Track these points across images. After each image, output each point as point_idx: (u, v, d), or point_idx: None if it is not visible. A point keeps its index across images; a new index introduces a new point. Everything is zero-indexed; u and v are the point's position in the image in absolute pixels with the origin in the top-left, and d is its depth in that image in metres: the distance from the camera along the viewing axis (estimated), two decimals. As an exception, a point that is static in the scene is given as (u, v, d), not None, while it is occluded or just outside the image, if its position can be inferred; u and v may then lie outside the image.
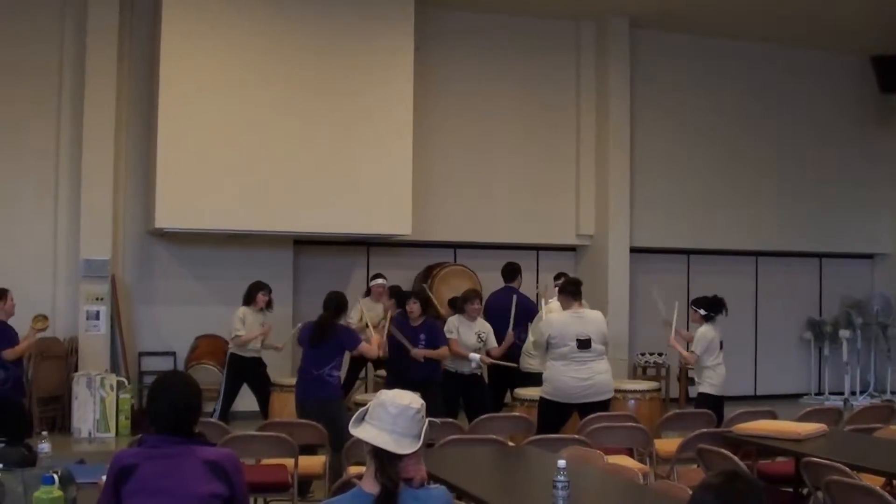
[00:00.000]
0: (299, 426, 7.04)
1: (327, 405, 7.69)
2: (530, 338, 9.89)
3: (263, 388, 9.98)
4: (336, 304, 8.09)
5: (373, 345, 8.44)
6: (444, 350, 9.06)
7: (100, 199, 11.10)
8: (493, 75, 13.19)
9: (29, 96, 11.28)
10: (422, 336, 9.04)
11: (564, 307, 8.24)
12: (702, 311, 8.80)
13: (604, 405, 7.91)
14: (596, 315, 8.31)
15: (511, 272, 10.92)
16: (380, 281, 10.78)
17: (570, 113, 13.54)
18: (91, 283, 11.01)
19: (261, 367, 10.04)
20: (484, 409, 8.62)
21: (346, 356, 8.85)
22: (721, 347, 8.83)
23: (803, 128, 14.69)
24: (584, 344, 7.90)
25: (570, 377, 7.87)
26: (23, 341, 8.47)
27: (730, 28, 13.71)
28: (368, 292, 10.87)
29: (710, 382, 8.69)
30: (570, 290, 8.22)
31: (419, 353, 8.97)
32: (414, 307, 9.11)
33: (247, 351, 9.87)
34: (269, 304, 10.03)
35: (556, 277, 10.90)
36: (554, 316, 8.46)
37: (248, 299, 9.93)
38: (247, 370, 9.92)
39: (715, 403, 8.60)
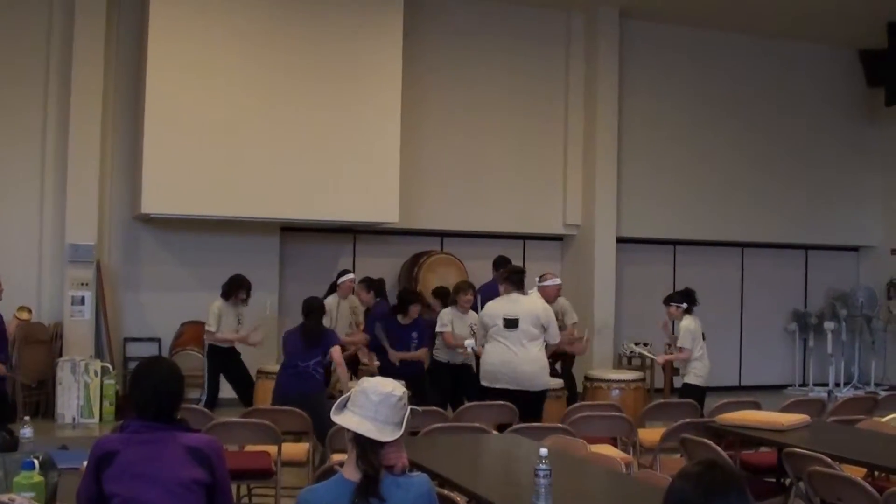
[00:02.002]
0: (283, 413, 7.03)
1: (311, 397, 7.74)
2: None
3: (240, 377, 9.89)
4: (319, 309, 8.37)
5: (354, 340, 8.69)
6: (422, 352, 9.17)
7: (86, 184, 11.04)
8: (483, 64, 13.17)
9: (15, 80, 11.21)
10: (413, 335, 9.13)
11: (504, 293, 8.17)
12: (683, 305, 8.81)
13: (535, 399, 7.81)
14: (534, 301, 8.18)
15: (503, 264, 10.88)
16: (350, 276, 10.44)
17: (558, 103, 13.54)
18: (76, 269, 10.98)
19: (236, 355, 9.91)
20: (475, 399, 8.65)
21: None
22: (704, 338, 8.84)
23: (791, 120, 14.73)
24: (510, 323, 7.89)
25: (494, 359, 7.91)
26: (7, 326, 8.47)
27: (719, 19, 13.72)
28: (333, 289, 10.39)
29: (695, 373, 8.70)
30: (514, 280, 8.17)
31: (396, 355, 9.14)
32: (413, 310, 9.33)
33: (222, 341, 9.78)
34: (245, 300, 9.86)
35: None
36: (489, 302, 8.36)
37: (228, 295, 9.74)
38: (223, 360, 9.81)
39: (699, 395, 8.63)
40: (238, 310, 9.82)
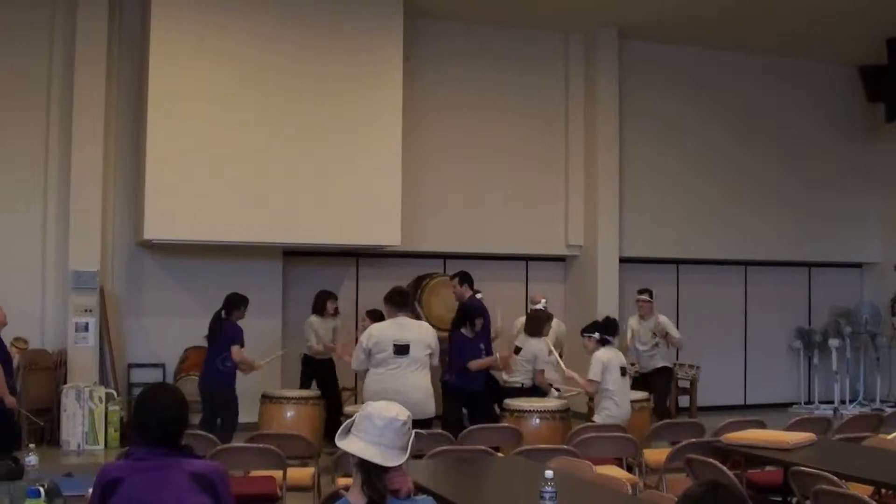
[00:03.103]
0: (288, 438, 7.03)
1: (226, 391, 9.13)
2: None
3: (332, 388, 10.71)
4: (228, 303, 9.24)
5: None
6: (492, 359, 9.34)
7: (89, 211, 11.06)
8: (483, 86, 13.21)
9: (17, 106, 11.24)
10: (481, 346, 9.26)
11: (388, 317, 8.04)
12: (596, 336, 8.43)
13: (423, 427, 7.39)
14: (421, 326, 8.08)
15: (467, 279, 10.67)
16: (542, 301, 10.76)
17: (559, 123, 13.56)
18: (80, 295, 10.97)
19: (332, 368, 10.82)
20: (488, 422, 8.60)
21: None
22: (623, 374, 8.43)
23: (792, 137, 14.74)
24: (400, 350, 7.73)
25: (384, 387, 7.59)
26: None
27: (718, 38, 13.75)
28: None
29: (607, 413, 8.25)
30: (396, 300, 8.01)
31: (476, 364, 9.18)
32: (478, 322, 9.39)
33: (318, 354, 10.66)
34: (336, 311, 10.82)
35: (641, 292, 11.31)
36: (375, 326, 8.14)
37: (318, 309, 10.68)
38: (318, 371, 10.73)
39: None
40: (333, 322, 10.79)
